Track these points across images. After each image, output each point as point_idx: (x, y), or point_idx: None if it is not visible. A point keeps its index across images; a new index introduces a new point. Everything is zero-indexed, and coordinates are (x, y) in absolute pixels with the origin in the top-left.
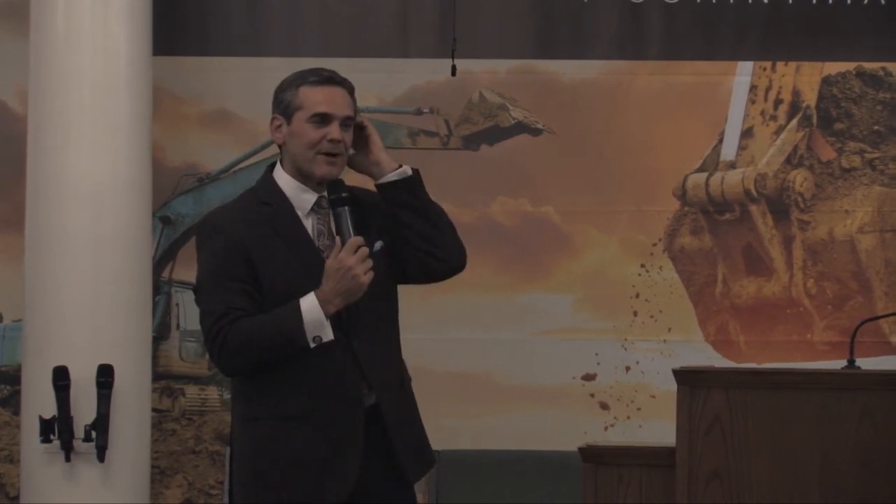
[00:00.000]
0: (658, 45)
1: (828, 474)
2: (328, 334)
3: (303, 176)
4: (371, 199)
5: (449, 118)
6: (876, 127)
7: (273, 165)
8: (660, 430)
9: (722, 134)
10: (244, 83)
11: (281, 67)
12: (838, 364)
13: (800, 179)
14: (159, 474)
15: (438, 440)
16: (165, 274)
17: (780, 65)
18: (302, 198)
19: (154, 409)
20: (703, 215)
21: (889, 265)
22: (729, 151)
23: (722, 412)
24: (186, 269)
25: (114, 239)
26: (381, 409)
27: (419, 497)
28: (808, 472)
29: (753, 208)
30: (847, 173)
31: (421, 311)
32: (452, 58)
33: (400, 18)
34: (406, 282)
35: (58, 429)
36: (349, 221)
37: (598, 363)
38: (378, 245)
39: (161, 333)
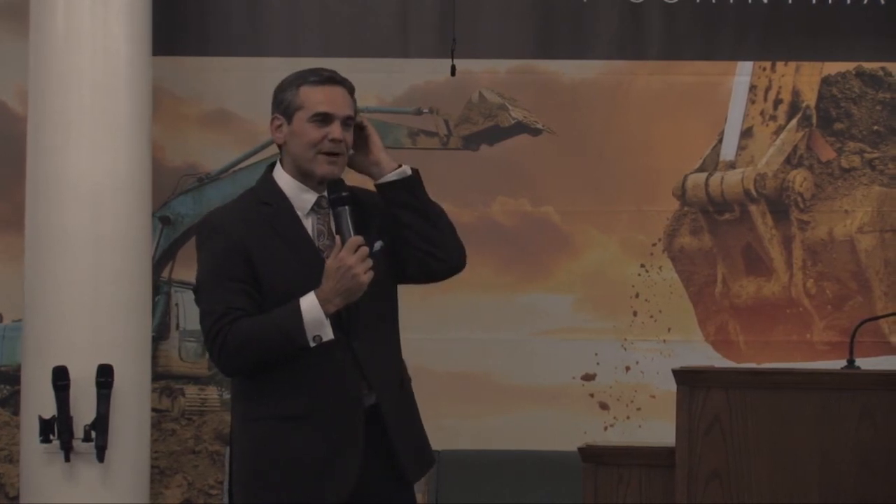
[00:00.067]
0: (658, 45)
1: (827, 474)
2: (328, 333)
3: (303, 176)
4: (371, 199)
5: (449, 118)
6: (875, 127)
7: (273, 165)
8: (659, 430)
9: (721, 134)
10: (244, 83)
11: (281, 67)
12: (838, 364)
13: (799, 179)
14: (159, 474)
15: (438, 440)
16: (165, 274)
17: (779, 65)
18: (302, 198)
19: (154, 409)
20: (702, 215)
21: (889, 265)
22: (728, 151)
23: (721, 412)
24: (186, 269)
25: (113, 239)
26: (381, 409)
27: (419, 497)
28: (807, 472)
29: (753, 208)
30: (847, 173)
31: (421, 311)
32: (452, 58)
33: (400, 18)
34: (406, 282)
35: (57, 429)
36: (349, 221)
37: (598, 363)
38: (378, 245)
39: (161, 333)
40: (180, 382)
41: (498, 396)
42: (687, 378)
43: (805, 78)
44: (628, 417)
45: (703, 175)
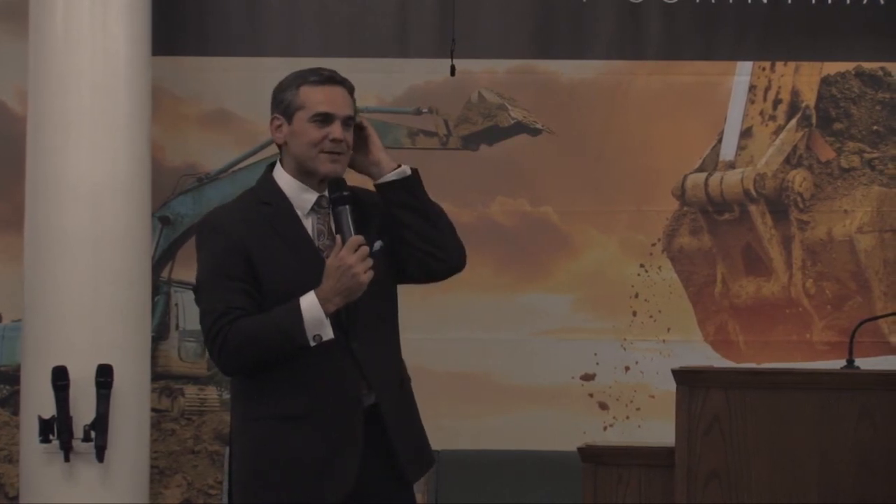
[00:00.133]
0: (657, 45)
1: (827, 474)
2: (328, 333)
3: (304, 175)
4: (371, 199)
5: (448, 118)
6: (875, 127)
7: (273, 165)
8: (659, 430)
9: (721, 134)
10: (243, 83)
11: (280, 67)
12: (837, 364)
13: (799, 179)
14: (158, 474)
15: (438, 440)
16: (165, 274)
17: (779, 65)
18: (302, 197)
19: (153, 409)
20: (702, 215)
21: (888, 265)
22: (728, 151)
23: (721, 412)
24: (186, 269)
25: (113, 239)
26: (380, 408)
27: (418, 497)
28: (806, 472)
29: (752, 208)
30: (846, 173)
31: (421, 311)
32: (451, 58)
33: (399, 18)
34: (406, 282)
35: (57, 429)
36: (350, 220)
37: (598, 363)
38: (378, 245)
39: (160, 333)
40: (180, 382)
41: (497, 396)
42: (686, 378)
43: (804, 78)
44: (628, 417)
45: (703, 175)
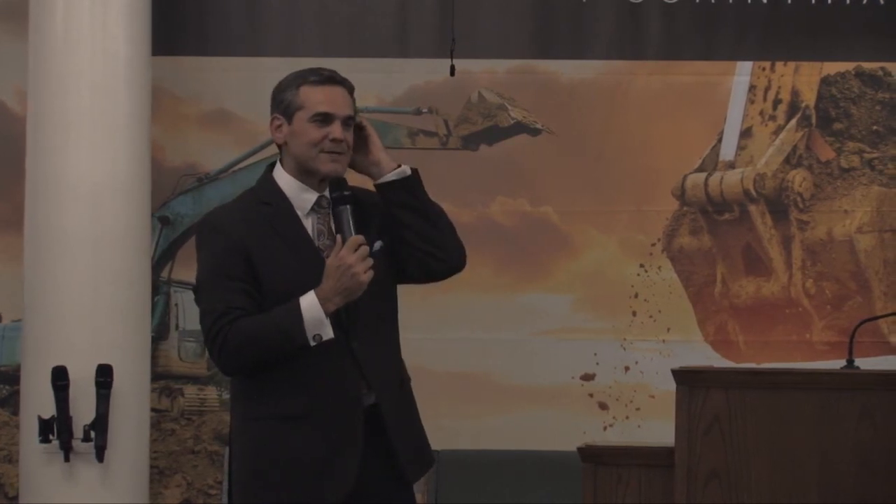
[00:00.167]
0: (657, 45)
1: (827, 474)
2: (328, 332)
3: (305, 175)
4: (372, 199)
5: (448, 118)
6: (875, 127)
7: (273, 165)
8: (659, 430)
9: (721, 134)
10: (243, 83)
11: (280, 67)
12: (837, 364)
13: (799, 179)
14: (158, 474)
15: (438, 440)
16: (164, 274)
17: (779, 65)
18: (302, 197)
19: (153, 409)
20: (702, 215)
21: (888, 265)
22: (728, 151)
23: (721, 412)
24: (185, 270)
25: (113, 239)
26: (380, 408)
27: (418, 497)
28: (807, 472)
29: (752, 208)
30: (846, 173)
31: (421, 311)
32: (451, 58)
33: (399, 18)
34: (406, 282)
35: (57, 429)
36: (350, 220)
37: (597, 363)
38: (378, 245)
39: (160, 333)
40: (179, 382)
41: (497, 396)
42: (686, 378)
43: (804, 78)
44: (627, 417)
45: (703, 175)
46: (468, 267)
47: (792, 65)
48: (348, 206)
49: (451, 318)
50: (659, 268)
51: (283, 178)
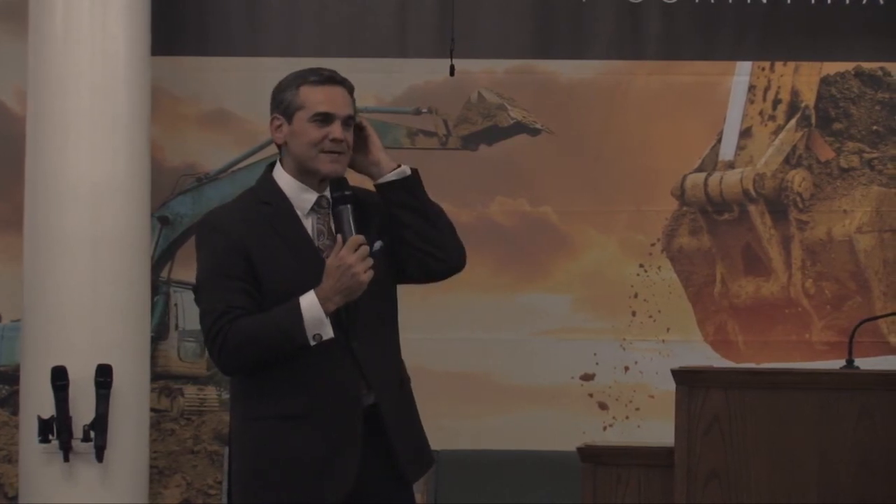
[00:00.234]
0: (656, 45)
1: (826, 474)
2: (328, 332)
3: (305, 175)
4: (372, 199)
5: (447, 118)
6: (874, 127)
7: (272, 165)
8: (658, 430)
9: (720, 134)
10: (243, 83)
11: (279, 67)
12: (837, 364)
13: (798, 179)
14: (158, 474)
15: (437, 440)
16: (164, 274)
17: (778, 65)
18: (302, 197)
19: (153, 409)
20: (701, 215)
21: (887, 265)
22: (727, 151)
23: (720, 412)
24: (185, 269)
25: (112, 239)
26: (380, 408)
27: (418, 497)
28: (806, 471)
29: (752, 208)
30: (845, 173)
31: (421, 311)
32: (451, 58)
33: (398, 18)
34: (406, 282)
35: (56, 429)
36: (350, 220)
37: (597, 363)
38: (378, 245)
39: (160, 333)
40: (179, 382)
41: (497, 396)
42: (686, 378)
43: (804, 78)
44: (627, 417)
45: (702, 175)
46: (468, 267)
47: (791, 65)
48: (348, 206)
49: (451, 318)
50: (658, 268)
51: (283, 178)
